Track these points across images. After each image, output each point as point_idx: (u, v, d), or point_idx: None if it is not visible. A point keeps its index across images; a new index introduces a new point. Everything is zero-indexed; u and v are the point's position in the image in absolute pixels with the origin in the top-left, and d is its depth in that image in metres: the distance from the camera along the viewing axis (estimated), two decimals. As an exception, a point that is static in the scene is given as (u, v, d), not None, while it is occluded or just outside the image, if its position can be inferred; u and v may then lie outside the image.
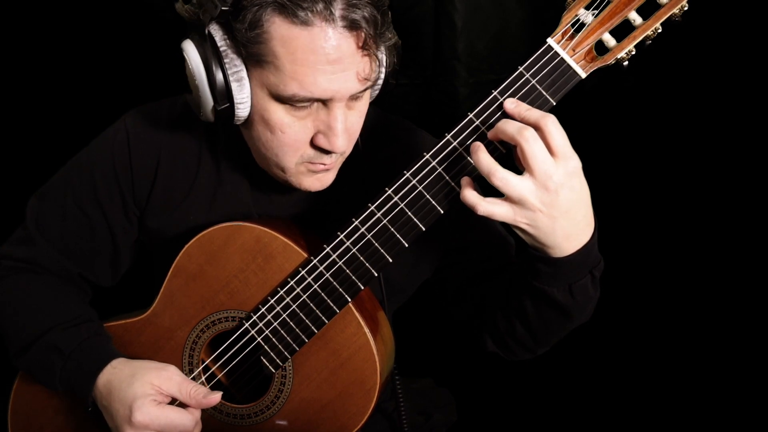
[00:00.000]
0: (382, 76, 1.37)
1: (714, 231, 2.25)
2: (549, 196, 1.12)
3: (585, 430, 2.41)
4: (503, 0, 2.22)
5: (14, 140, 2.44)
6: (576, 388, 2.44)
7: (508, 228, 1.23)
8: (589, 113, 2.18)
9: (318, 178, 1.36)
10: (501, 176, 1.13)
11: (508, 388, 2.51)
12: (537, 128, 1.12)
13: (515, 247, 1.53)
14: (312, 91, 1.21)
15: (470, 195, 1.17)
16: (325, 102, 1.25)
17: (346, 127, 1.29)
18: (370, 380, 1.34)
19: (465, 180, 1.19)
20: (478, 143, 1.17)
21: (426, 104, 2.33)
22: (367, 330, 1.33)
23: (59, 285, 1.55)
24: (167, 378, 1.37)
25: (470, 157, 1.19)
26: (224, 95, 1.24)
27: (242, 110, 1.26)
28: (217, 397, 1.37)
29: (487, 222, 1.47)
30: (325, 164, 1.33)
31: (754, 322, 2.22)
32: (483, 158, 1.15)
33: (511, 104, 1.17)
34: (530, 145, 1.10)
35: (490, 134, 1.18)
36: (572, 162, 1.13)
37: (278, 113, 1.26)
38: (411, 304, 1.68)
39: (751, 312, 2.23)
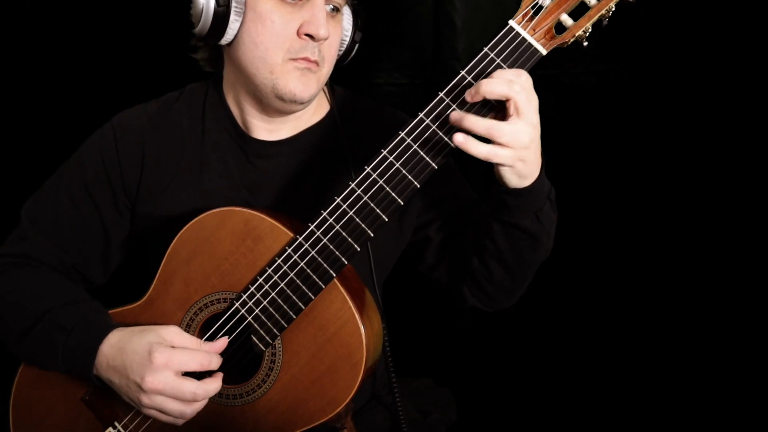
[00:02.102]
0: (349, 31, 1.62)
1: (712, 230, 2.26)
2: (535, 131, 1.26)
3: (585, 430, 2.44)
4: (503, 0, 2.26)
5: (11, 145, 2.49)
6: (575, 388, 2.45)
7: None
8: (589, 113, 2.22)
9: (303, 82, 1.49)
10: (498, 126, 1.22)
11: (508, 388, 2.52)
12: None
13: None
14: None
15: (466, 139, 1.24)
16: None
17: (327, 27, 1.47)
18: (356, 353, 1.38)
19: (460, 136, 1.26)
20: (461, 113, 1.25)
21: (426, 104, 2.36)
22: (352, 304, 1.38)
23: (56, 274, 1.61)
24: (177, 332, 1.44)
25: (443, 134, 1.28)
26: None
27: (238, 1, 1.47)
28: (223, 340, 1.46)
29: (455, 178, 1.63)
30: (309, 59, 1.48)
31: (753, 322, 2.24)
32: (475, 120, 1.23)
33: (471, 94, 1.25)
34: (520, 95, 1.21)
35: (471, 96, 1.24)
36: (534, 95, 1.25)
37: (268, 4, 1.46)
38: (411, 304, 1.71)
39: (750, 311, 2.23)
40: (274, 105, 1.54)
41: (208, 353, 1.43)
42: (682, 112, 2.23)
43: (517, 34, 1.24)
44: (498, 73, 1.23)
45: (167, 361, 1.39)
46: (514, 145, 1.23)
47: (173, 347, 1.41)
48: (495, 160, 1.25)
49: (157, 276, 1.50)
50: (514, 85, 1.20)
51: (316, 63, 1.49)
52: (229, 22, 1.46)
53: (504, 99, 1.22)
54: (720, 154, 2.22)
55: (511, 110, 1.22)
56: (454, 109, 1.27)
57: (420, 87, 2.37)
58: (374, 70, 2.37)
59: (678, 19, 2.13)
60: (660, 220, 2.33)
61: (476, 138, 1.23)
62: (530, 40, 1.23)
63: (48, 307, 1.51)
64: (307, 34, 1.46)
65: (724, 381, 2.29)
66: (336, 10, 1.53)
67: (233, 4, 1.46)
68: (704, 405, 2.30)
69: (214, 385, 1.43)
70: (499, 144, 1.23)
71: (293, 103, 1.51)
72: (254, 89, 1.53)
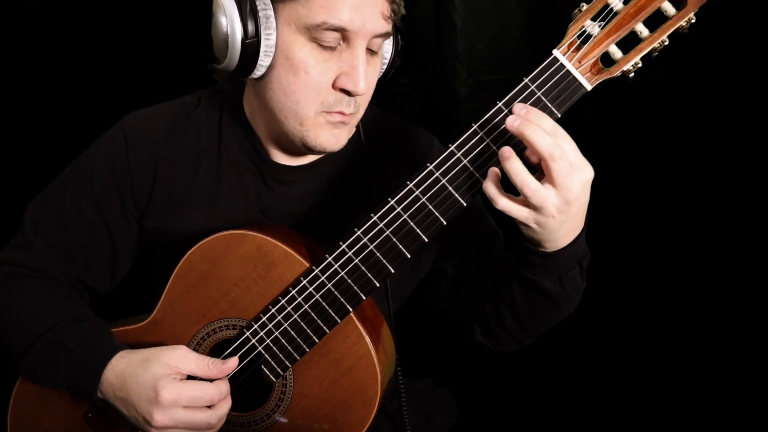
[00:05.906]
0: (389, 54, 1.47)
1: (713, 232, 2.26)
2: (566, 206, 1.15)
3: (584, 430, 2.42)
4: (503, 0, 2.22)
5: (14, 145, 2.43)
6: (575, 389, 2.47)
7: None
8: (591, 114, 2.17)
9: (335, 135, 1.38)
10: (534, 188, 1.13)
11: (508, 389, 2.53)
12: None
13: (504, 239, 1.58)
14: (341, 18, 1.26)
15: (491, 188, 1.17)
16: (348, 41, 1.30)
17: (366, 80, 1.32)
18: (370, 390, 1.34)
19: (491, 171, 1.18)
20: (509, 149, 1.14)
21: (426, 104, 2.33)
22: (368, 340, 1.33)
23: (59, 287, 1.53)
24: (183, 356, 1.36)
25: (474, 169, 1.20)
26: (253, 30, 1.28)
27: (268, 43, 1.30)
28: (234, 361, 1.37)
29: (480, 214, 1.54)
30: (344, 113, 1.35)
31: (752, 323, 2.23)
32: (517, 168, 1.14)
33: (514, 121, 1.14)
34: (559, 164, 1.11)
35: (512, 127, 1.14)
36: (587, 172, 1.15)
37: (303, 51, 1.30)
38: (411, 304, 1.67)
39: (750, 312, 2.23)
40: (300, 150, 1.44)
41: (215, 387, 1.35)
42: (684, 113, 2.22)
43: (561, 66, 1.15)
44: (532, 134, 1.12)
45: (176, 398, 1.31)
46: (537, 208, 1.15)
47: (181, 379, 1.34)
48: (509, 212, 1.18)
49: (162, 297, 1.43)
50: (558, 148, 1.11)
51: (351, 114, 1.37)
52: (258, 60, 1.31)
53: (539, 158, 1.13)
54: (722, 156, 2.21)
55: (547, 174, 1.13)
56: (487, 143, 1.19)
57: (420, 87, 2.35)
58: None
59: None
60: (660, 221, 2.34)
61: None
62: (575, 73, 1.15)
63: (50, 323, 1.43)
64: (343, 90, 1.33)
65: (724, 382, 2.31)
66: (376, 53, 1.39)
67: (262, 45, 1.30)
68: (704, 405, 2.31)
69: (225, 407, 1.37)
70: (526, 201, 1.15)
71: (321, 153, 1.42)
72: (280, 131, 1.42)
